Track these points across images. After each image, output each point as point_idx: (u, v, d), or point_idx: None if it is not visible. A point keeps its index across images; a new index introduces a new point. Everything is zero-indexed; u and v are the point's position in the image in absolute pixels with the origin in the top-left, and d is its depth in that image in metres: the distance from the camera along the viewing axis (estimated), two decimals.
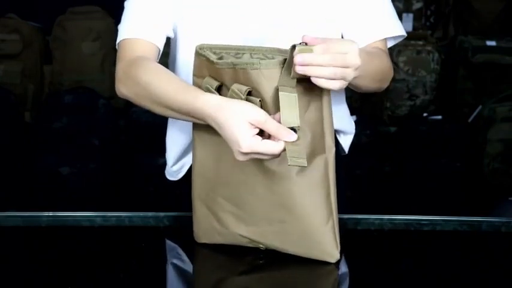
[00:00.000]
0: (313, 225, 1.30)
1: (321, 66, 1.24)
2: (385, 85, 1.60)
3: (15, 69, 3.73)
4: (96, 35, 3.74)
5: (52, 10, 3.77)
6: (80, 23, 3.76)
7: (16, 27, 3.75)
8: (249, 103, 1.27)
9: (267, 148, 1.25)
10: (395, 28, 1.58)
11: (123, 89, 1.52)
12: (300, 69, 1.24)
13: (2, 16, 3.79)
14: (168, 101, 1.41)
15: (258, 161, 1.31)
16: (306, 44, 1.25)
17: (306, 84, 1.28)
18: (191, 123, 1.43)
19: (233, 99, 1.28)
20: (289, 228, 1.31)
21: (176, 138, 1.63)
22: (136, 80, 1.47)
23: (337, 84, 1.27)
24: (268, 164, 1.31)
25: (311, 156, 1.30)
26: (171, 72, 1.48)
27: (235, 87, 1.29)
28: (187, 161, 1.63)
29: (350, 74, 1.28)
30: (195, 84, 1.38)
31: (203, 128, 1.37)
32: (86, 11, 3.80)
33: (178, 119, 1.44)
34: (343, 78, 1.27)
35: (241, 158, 1.27)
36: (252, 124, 1.25)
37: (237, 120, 1.26)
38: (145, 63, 1.49)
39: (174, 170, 1.66)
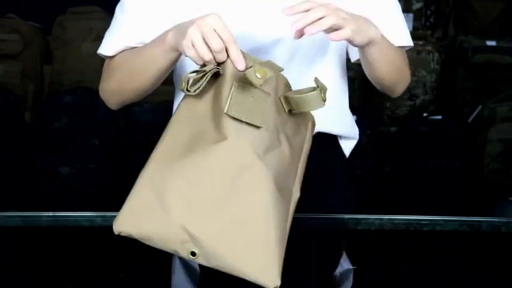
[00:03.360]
0: (268, 239, 1.23)
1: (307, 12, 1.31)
2: (402, 85, 1.61)
3: (15, 69, 3.73)
4: (96, 35, 3.74)
5: (52, 10, 3.77)
6: (80, 23, 3.76)
7: (16, 27, 3.75)
8: None
9: (225, 32, 1.27)
10: (404, 38, 1.60)
11: (106, 88, 1.56)
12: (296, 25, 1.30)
13: (2, 16, 3.79)
14: (141, 55, 1.45)
15: (238, 156, 1.26)
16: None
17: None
18: None
19: None
20: (242, 231, 1.23)
21: None
22: (114, 68, 1.52)
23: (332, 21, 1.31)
24: (249, 161, 1.26)
25: (287, 180, 1.29)
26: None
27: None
28: None
29: (335, 11, 1.32)
30: None
31: (184, 108, 1.35)
32: (86, 11, 3.80)
33: (154, 72, 1.46)
34: (335, 15, 1.31)
35: (192, 30, 1.29)
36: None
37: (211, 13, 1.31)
38: (117, 56, 1.53)
39: None
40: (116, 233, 1.24)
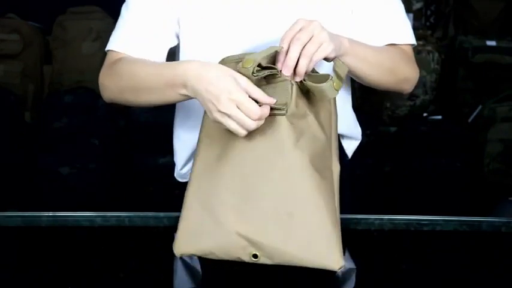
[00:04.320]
0: (322, 223, 1.27)
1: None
2: (405, 85, 1.60)
3: (15, 69, 3.73)
4: (96, 35, 3.74)
5: (52, 10, 3.77)
6: (80, 23, 3.76)
7: (16, 27, 3.75)
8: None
9: (250, 106, 1.25)
10: (404, 36, 1.60)
11: (107, 89, 1.54)
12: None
13: (2, 16, 3.79)
14: (150, 80, 1.43)
15: (270, 152, 1.29)
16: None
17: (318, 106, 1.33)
18: (199, 125, 1.44)
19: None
20: (296, 223, 1.26)
21: (184, 141, 1.63)
22: (119, 73, 1.49)
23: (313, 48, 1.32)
24: (282, 154, 1.29)
25: (324, 159, 1.31)
26: (152, 60, 1.50)
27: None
28: None
29: (317, 28, 1.33)
30: None
31: (211, 124, 1.37)
32: (86, 11, 3.80)
33: (161, 102, 1.45)
34: (316, 39, 1.32)
35: (216, 115, 1.27)
36: (242, 85, 1.27)
37: (225, 73, 1.28)
38: (124, 58, 1.51)
39: (184, 173, 1.65)
40: (177, 255, 1.29)
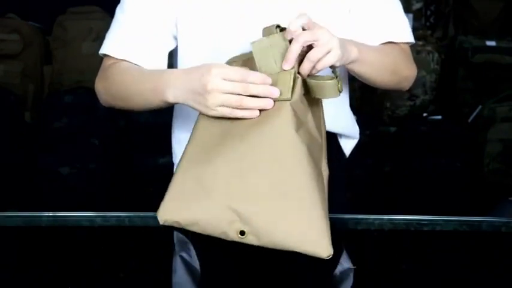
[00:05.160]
0: (315, 210, 1.25)
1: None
2: (405, 83, 1.61)
3: (15, 69, 3.73)
4: (96, 35, 3.74)
5: (52, 10, 3.77)
6: (80, 23, 3.76)
7: (16, 27, 3.75)
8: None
9: (235, 72, 1.26)
10: (403, 35, 1.60)
11: (102, 95, 1.56)
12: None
13: (2, 16, 3.79)
14: (135, 87, 1.44)
15: (272, 133, 1.29)
16: (279, 26, 1.32)
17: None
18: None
19: None
20: (289, 205, 1.25)
21: (183, 143, 1.62)
22: (109, 80, 1.51)
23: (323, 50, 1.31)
24: (282, 137, 1.28)
25: (317, 159, 1.31)
26: (142, 68, 1.50)
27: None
28: None
29: (325, 35, 1.32)
30: None
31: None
32: (86, 11, 3.80)
33: (147, 108, 1.46)
34: (322, 41, 1.31)
35: (209, 111, 1.28)
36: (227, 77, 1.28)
37: (206, 68, 1.29)
38: (117, 64, 1.51)
39: None
40: (161, 222, 1.24)
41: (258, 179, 1.26)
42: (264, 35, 1.33)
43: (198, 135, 1.33)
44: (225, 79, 1.27)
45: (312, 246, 1.24)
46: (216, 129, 1.32)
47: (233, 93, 1.26)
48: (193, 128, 1.35)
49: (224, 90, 1.26)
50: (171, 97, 1.35)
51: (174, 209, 1.27)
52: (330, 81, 1.31)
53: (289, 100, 1.29)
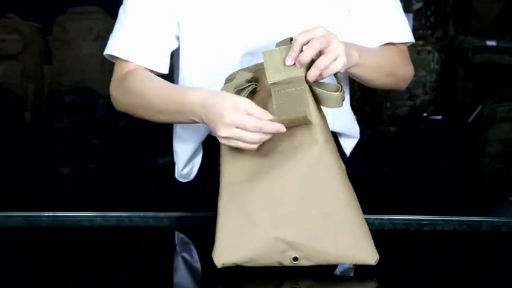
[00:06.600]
0: (355, 220, 1.29)
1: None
2: (402, 83, 1.62)
3: (15, 69, 3.73)
4: (96, 35, 3.75)
5: (52, 10, 3.78)
6: (80, 23, 3.76)
7: (16, 27, 3.75)
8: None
9: (252, 122, 1.27)
10: (403, 34, 1.60)
11: (118, 103, 1.56)
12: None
13: (2, 16, 3.79)
14: (159, 104, 1.46)
15: (294, 154, 1.30)
16: (292, 39, 1.32)
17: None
18: (198, 126, 1.45)
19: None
20: (331, 221, 1.28)
21: (184, 142, 1.63)
22: (129, 91, 1.52)
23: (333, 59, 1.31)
24: (314, 154, 1.30)
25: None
26: (161, 79, 1.51)
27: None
28: (197, 162, 1.64)
29: (333, 40, 1.32)
30: None
31: None
32: (86, 11, 3.80)
33: (171, 122, 1.50)
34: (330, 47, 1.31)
35: (220, 140, 1.30)
36: (241, 109, 1.29)
37: (225, 99, 1.31)
38: (135, 73, 1.52)
39: (185, 173, 1.65)
40: (218, 266, 1.28)
41: (297, 203, 1.29)
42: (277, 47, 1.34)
43: (230, 170, 1.35)
44: (239, 127, 1.29)
45: (361, 256, 1.28)
46: (244, 161, 1.34)
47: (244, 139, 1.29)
48: (221, 162, 1.37)
49: (237, 137, 1.29)
50: (198, 120, 1.39)
51: (228, 252, 1.29)
52: (335, 93, 1.32)
53: (309, 123, 1.30)
